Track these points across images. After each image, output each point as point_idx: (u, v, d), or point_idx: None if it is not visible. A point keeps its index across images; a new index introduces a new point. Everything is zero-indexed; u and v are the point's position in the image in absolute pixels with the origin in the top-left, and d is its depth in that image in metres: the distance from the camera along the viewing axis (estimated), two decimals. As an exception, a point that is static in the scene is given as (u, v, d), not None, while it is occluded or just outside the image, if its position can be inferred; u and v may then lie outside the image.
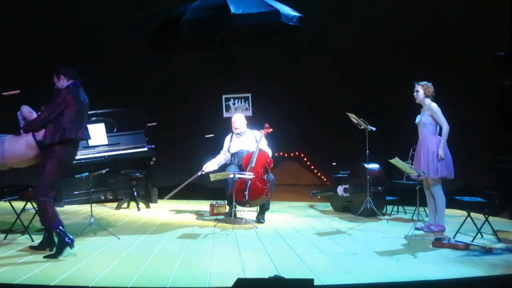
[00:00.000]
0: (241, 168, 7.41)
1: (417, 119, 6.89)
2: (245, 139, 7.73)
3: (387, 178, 8.15)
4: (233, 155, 7.70)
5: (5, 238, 6.21)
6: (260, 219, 7.43)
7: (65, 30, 9.73)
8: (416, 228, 6.50)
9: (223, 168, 7.70)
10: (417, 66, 9.17)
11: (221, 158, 7.79)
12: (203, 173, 7.61)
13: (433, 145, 6.66)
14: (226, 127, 8.26)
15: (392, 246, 6.02)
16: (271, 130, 7.70)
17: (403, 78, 9.37)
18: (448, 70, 8.98)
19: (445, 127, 6.65)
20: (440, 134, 6.68)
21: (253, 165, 7.31)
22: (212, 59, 9.48)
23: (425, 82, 6.85)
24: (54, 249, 5.47)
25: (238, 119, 7.77)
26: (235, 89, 9.67)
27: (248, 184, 7.13)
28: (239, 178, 7.12)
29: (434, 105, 6.77)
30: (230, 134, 7.83)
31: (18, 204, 6.45)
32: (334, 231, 6.92)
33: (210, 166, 7.67)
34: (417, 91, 6.85)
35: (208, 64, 9.62)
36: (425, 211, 7.76)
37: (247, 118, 8.04)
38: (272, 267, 5.10)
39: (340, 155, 9.05)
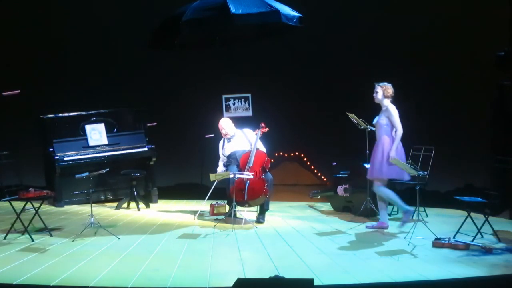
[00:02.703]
0: (239, 168, 7.41)
1: (375, 120, 6.97)
2: (236, 140, 7.75)
3: (387, 178, 8.14)
4: (228, 157, 7.71)
5: (5, 238, 6.21)
6: (260, 219, 7.43)
7: (65, 31, 9.73)
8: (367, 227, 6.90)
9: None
10: (417, 66, 9.18)
11: (221, 164, 7.81)
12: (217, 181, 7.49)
13: (388, 147, 6.74)
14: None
15: (392, 246, 6.02)
16: (267, 129, 7.68)
17: (403, 78, 9.37)
18: (448, 70, 8.99)
19: (399, 131, 6.73)
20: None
21: (251, 165, 7.30)
22: (212, 59, 9.48)
23: (385, 83, 6.92)
24: None
25: (225, 125, 7.73)
26: (235, 89, 9.67)
27: (247, 184, 7.13)
28: (239, 178, 7.12)
29: (392, 107, 6.84)
30: (222, 139, 7.84)
31: (18, 204, 6.45)
32: (334, 231, 6.92)
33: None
34: (376, 92, 6.93)
35: (208, 64, 9.62)
36: (425, 211, 7.78)
37: (247, 118, 8.02)
38: (272, 267, 5.11)
39: (340, 155, 9.05)
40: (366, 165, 7.71)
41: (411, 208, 6.75)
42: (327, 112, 9.71)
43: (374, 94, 6.93)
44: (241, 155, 7.50)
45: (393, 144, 6.69)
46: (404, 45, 9.33)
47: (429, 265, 5.22)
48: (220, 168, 7.77)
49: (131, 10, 9.72)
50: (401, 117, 6.84)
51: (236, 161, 7.57)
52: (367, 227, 7.02)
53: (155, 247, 5.90)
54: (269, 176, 7.47)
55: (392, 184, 8.33)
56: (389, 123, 6.78)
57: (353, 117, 7.62)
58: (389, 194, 6.86)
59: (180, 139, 9.95)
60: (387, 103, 6.85)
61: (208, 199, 7.89)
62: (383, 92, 6.86)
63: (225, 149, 7.76)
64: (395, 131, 6.76)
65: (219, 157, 7.89)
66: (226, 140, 7.79)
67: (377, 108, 8.91)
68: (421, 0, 9.41)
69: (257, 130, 7.65)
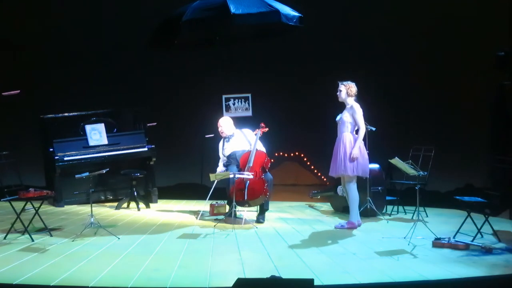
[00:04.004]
0: (239, 168, 7.41)
1: (338, 117, 7.04)
2: (235, 140, 7.74)
3: (387, 178, 8.15)
4: (228, 158, 7.71)
5: (5, 238, 6.21)
6: (260, 219, 7.43)
7: (65, 31, 9.73)
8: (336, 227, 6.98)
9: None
10: (417, 66, 9.18)
11: (221, 164, 7.80)
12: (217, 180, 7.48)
13: (350, 144, 6.85)
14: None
15: (392, 246, 6.01)
16: (267, 129, 7.68)
17: (402, 78, 9.39)
18: (448, 70, 8.99)
19: (362, 129, 6.86)
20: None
21: (251, 165, 7.30)
22: (212, 59, 9.48)
23: (348, 82, 7.01)
24: None
25: (223, 124, 7.72)
26: (235, 89, 9.66)
27: (247, 184, 7.13)
28: (238, 178, 7.12)
29: (356, 105, 6.94)
30: (222, 139, 7.83)
31: (18, 204, 6.44)
32: (334, 231, 6.92)
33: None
34: (340, 90, 7.02)
35: (208, 64, 9.62)
36: (425, 211, 7.78)
37: (247, 118, 8.00)
38: (272, 267, 5.10)
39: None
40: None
41: (356, 224, 6.94)
42: (327, 112, 9.68)
43: (338, 93, 7.04)
44: (241, 155, 7.50)
45: (356, 141, 6.81)
46: (404, 45, 9.33)
47: (429, 265, 5.22)
48: (220, 168, 7.76)
49: (131, 10, 9.73)
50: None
51: (236, 161, 7.57)
52: (358, 224, 7.02)
53: (155, 247, 5.89)
54: (269, 176, 7.46)
55: (392, 184, 8.37)
56: (353, 120, 6.91)
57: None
58: (356, 199, 6.99)
59: (180, 139, 9.95)
60: (351, 102, 6.97)
61: (209, 199, 7.88)
62: (346, 91, 6.98)
63: (225, 149, 7.75)
64: (357, 129, 6.88)
65: (219, 158, 7.88)
66: (225, 140, 7.78)
67: (379, 107, 8.97)
68: (421, 1, 9.42)
69: (257, 130, 7.64)
